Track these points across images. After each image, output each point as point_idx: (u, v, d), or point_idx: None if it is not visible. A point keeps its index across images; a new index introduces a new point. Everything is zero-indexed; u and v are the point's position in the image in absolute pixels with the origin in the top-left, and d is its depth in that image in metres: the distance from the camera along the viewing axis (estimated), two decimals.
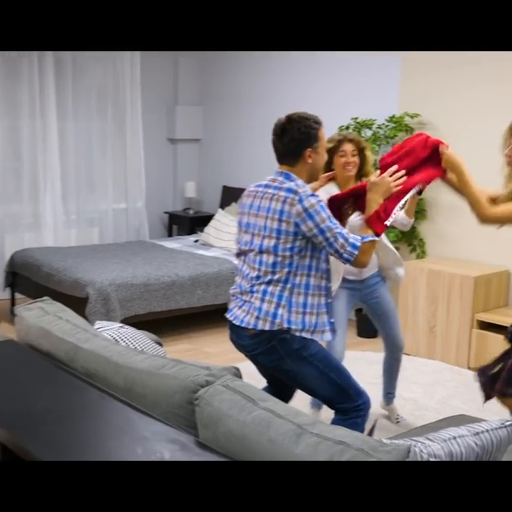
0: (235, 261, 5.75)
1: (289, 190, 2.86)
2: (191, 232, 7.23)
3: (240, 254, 3.11)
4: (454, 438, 2.16)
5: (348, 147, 3.68)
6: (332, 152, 3.62)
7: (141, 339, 3.36)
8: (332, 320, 3.03)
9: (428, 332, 5.25)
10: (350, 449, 1.87)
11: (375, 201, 2.99)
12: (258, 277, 2.93)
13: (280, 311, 2.89)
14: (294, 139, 2.92)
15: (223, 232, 6.46)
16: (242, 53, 6.99)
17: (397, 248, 5.71)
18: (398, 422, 4.07)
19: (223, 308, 5.54)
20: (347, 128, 5.62)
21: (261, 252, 2.92)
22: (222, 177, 7.38)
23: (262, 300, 2.92)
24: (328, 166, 3.56)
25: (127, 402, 2.38)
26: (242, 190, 6.88)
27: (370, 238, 2.93)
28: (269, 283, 2.91)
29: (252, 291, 2.95)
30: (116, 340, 3.19)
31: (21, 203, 6.59)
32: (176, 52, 7.35)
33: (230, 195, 7.09)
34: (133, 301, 5.27)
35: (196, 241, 6.66)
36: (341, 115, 5.99)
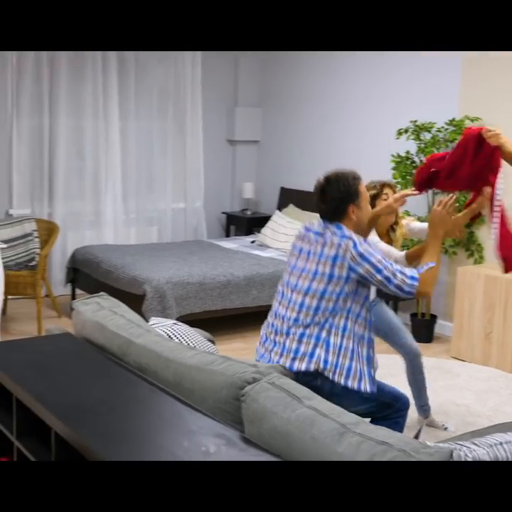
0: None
1: (343, 236, 2.88)
2: (248, 232, 7.29)
3: (281, 291, 3.10)
4: (501, 443, 2.15)
5: (390, 191, 3.74)
6: (374, 198, 3.70)
7: (193, 336, 3.42)
8: (373, 373, 2.94)
9: (484, 338, 5.18)
10: (392, 450, 1.89)
11: (439, 238, 3.02)
12: (297, 320, 2.91)
13: (317, 350, 2.85)
14: (335, 198, 2.95)
15: (279, 233, 6.50)
16: (302, 55, 7.02)
17: (453, 253, 5.66)
18: (446, 428, 4.03)
19: None
20: (406, 131, 5.59)
21: (306, 294, 2.91)
22: (280, 178, 7.42)
23: (299, 342, 2.88)
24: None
25: (176, 396, 2.45)
26: (299, 191, 7.00)
27: (427, 267, 2.91)
28: (307, 326, 2.88)
29: (288, 333, 2.92)
30: (170, 336, 3.26)
31: (83, 201, 6.76)
32: (236, 53, 7.43)
33: (288, 197, 7.13)
34: (189, 299, 5.35)
35: (253, 242, 6.71)
36: (400, 118, 5.97)
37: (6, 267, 5.62)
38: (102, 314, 3.07)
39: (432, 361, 5.19)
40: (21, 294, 5.58)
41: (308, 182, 7.07)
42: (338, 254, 2.86)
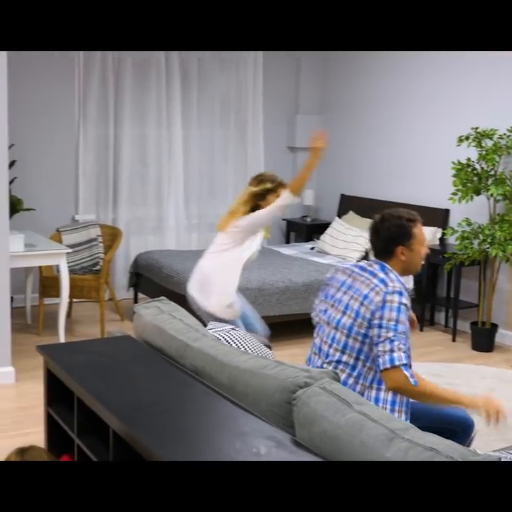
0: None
1: (382, 280, 2.86)
2: (308, 239, 7.33)
3: (317, 323, 3.12)
4: None
5: (283, 191, 4.21)
6: (268, 192, 4.19)
7: (250, 341, 3.48)
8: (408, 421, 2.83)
9: None
10: (439, 456, 1.91)
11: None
12: (328, 355, 2.94)
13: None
14: (385, 237, 2.96)
15: (339, 240, 6.52)
16: (363, 62, 7.04)
17: None
18: None
19: None
20: (466, 138, 5.55)
21: (336, 328, 2.93)
22: (340, 185, 7.44)
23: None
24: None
25: (230, 399, 2.51)
26: (360, 198, 7.01)
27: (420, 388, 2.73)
28: (338, 362, 2.90)
29: (321, 367, 2.96)
30: (227, 341, 3.33)
31: (146, 206, 6.92)
32: (297, 60, 7.48)
33: (348, 204, 7.15)
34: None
35: (312, 248, 6.75)
36: (461, 124, 5.92)
37: (71, 271, 5.80)
38: (161, 318, 3.16)
39: (492, 371, 5.14)
40: (86, 297, 5.75)
41: (368, 189, 7.07)
42: (368, 294, 2.84)
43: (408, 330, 2.82)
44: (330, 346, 2.93)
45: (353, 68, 7.20)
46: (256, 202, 4.29)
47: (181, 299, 5.49)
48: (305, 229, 7.36)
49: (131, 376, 2.74)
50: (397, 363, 2.71)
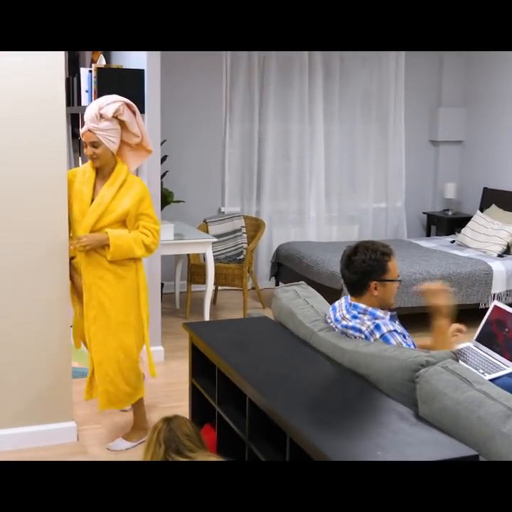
0: (490, 262, 5.68)
1: (355, 329, 2.89)
2: (449, 232, 7.30)
3: None
4: None
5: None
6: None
7: None
8: None
9: None
10: None
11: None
12: None
13: None
14: (360, 270, 2.88)
15: (479, 233, 6.47)
16: (508, 54, 6.91)
17: None
18: None
19: (474, 309, 5.61)
20: None
21: None
22: (483, 178, 7.35)
23: None
24: None
25: (354, 375, 2.67)
26: (503, 192, 6.91)
27: None
28: None
29: None
30: None
31: (288, 199, 7.16)
32: (440, 53, 7.46)
33: (491, 197, 7.05)
34: None
35: (452, 241, 6.73)
36: None
37: (217, 260, 6.14)
38: (296, 302, 3.37)
39: None
40: (229, 284, 6.07)
41: None
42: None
43: (410, 344, 2.87)
44: None
45: (498, 60, 7.08)
46: None
47: (320, 288, 5.69)
48: (446, 222, 7.34)
49: (266, 351, 2.96)
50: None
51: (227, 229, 6.42)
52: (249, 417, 2.65)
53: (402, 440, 2.17)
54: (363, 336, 2.87)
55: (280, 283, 6.67)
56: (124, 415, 4.09)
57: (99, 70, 4.82)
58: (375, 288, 2.89)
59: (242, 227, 6.45)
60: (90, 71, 4.99)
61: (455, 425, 2.23)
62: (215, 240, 5.73)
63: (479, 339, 3.44)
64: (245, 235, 6.43)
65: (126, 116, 3.59)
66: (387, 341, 2.80)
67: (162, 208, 6.34)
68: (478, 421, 2.16)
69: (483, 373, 3.07)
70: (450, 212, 7.44)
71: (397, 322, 2.97)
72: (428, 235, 7.62)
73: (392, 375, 2.54)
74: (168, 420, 2.77)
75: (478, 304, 5.79)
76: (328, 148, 7.21)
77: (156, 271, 4.99)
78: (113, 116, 3.53)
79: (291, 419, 2.30)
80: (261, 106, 6.92)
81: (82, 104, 5.26)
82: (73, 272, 3.69)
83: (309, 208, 7.21)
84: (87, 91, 5.16)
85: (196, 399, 3.33)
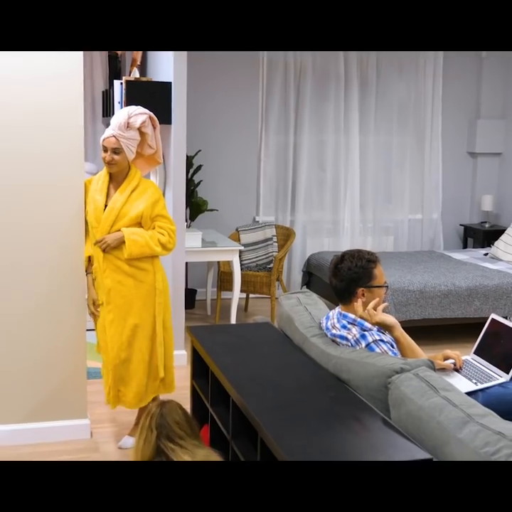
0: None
1: (342, 337, 2.96)
2: (486, 245, 7.25)
3: None
4: None
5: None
6: None
7: None
8: None
9: None
10: (504, 440, 2.03)
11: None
12: None
13: None
14: (347, 278, 2.94)
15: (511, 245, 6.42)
16: None
17: None
18: None
19: None
20: None
21: None
22: None
23: None
24: None
25: (336, 380, 2.75)
26: None
27: None
28: None
29: None
30: None
31: (323, 210, 7.24)
32: (480, 63, 7.42)
33: None
34: (408, 305, 5.56)
35: (486, 254, 6.69)
36: None
37: (247, 268, 6.26)
38: (296, 309, 3.46)
39: None
40: (258, 292, 6.18)
41: None
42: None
43: (397, 353, 2.91)
44: None
45: None
46: None
47: None
48: (482, 235, 7.29)
49: (257, 355, 3.06)
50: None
51: (259, 238, 6.53)
52: (232, 417, 2.75)
53: (362, 442, 2.24)
54: (349, 344, 2.94)
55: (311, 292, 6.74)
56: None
57: (128, 82, 5.01)
58: (363, 294, 2.96)
59: (273, 236, 6.55)
60: (121, 84, 5.19)
61: (417, 430, 2.29)
62: (241, 247, 5.84)
63: (477, 351, 3.46)
64: (276, 244, 6.53)
65: (148, 129, 3.74)
66: (372, 351, 2.87)
67: (196, 216, 6.51)
68: (437, 426, 2.21)
69: (475, 383, 3.10)
70: (487, 225, 7.39)
71: (386, 332, 3.02)
72: (465, 247, 7.58)
73: (370, 380, 2.61)
74: (160, 405, 2.84)
75: (506, 317, 5.75)
76: (364, 159, 7.26)
77: (180, 277, 5.13)
78: (137, 128, 3.69)
79: (261, 419, 2.39)
80: (297, 117, 7.03)
81: (112, 118, 5.46)
82: (90, 284, 3.83)
83: (344, 219, 7.27)
84: (119, 102, 5.37)
85: (196, 400, 3.45)
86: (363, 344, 2.90)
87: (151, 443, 2.67)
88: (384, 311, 2.97)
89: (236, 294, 5.72)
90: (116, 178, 3.73)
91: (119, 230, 3.63)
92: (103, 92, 6.23)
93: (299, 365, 2.94)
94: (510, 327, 3.30)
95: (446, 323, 5.74)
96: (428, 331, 5.83)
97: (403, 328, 5.31)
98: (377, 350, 2.86)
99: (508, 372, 3.14)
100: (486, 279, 5.76)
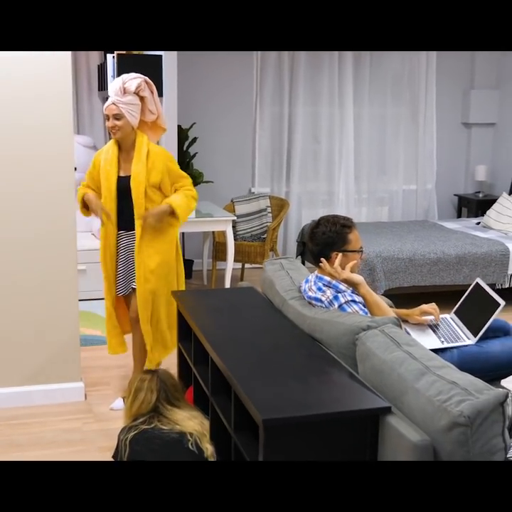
0: (508, 243, 5.81)
1: (317, 299, 3.07)
2: (479, 215, 7.34)
3: None
4: None
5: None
6: None
7: None
8: None
9: None
10: (457, 388, 2.16)
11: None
12: None
13: None
14: (322, 242, 3.05)
15: (503, 215, 6.51)
16: None
17: None
18: None
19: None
20: None
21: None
22: None
23: None
24: None
25: (310, 339, 2.88)
26: None
27: None
28: None
29: None
30: None
31: (318, 181, 7.34)
32: None
33: None
34: (398, 273, 5.67)
35: (478, 223, 6.79)
36: None
37: (242, 239, 6.39)
38: (278, 274, 3.58)
39: None
40: (252, 262, 6.31)
41: None
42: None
43: (368, 312, 3.03)
44: None
45: None
46: None
47: None
48: (475, 204, 7.38)
49: (238, 318, 3.19)
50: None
51: (253, 209, 6.64)
52: (211, 375, 2.89)
53: (329, 395, 2.37)
54: (323, 306, 3.06)
55: (306, 262, 6.87)
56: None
57: (119, 56, 5.11)
58: (337, 258, 3.06)
59: (268, 207, 6.66)
60: (113, 57, 5.28)
61: (380, 382, 2.42)
62: (235, 218, 5.96)
63: (457, 312, 3.59)
64: (270, 215, 6.64)
65: (146, 92, 3.86)
66: (343, 311, 2.99)
67: None
68: (397, 377, 2.34)
69: (442, 342, 3.23)
70: (481, 195, 7.47)
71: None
72: (459, 216, 7.67)
73: (340, 338, 2.74)
74: (154, 372, 3.06)
75: (495, 284, 5.86)
76: (358, 130, 7.34)
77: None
78: (135, 92, 3.80)
79: (235, 375, 2.53)
80: (291, 89, 7.10)
81: (108, 89, 5.55)
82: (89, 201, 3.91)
83: (338, 190, 7.37)
84: (112, 76, 5.46)
85: (182, 361, 3.60)
86: (336, 305, 3.01)
87: (150, 403, 2.92)
88: (355, 271, 3.08)
89: (230, 264, 5.85)
90: (124, 147, 3.86)
91: (150, 202, 3.80)
92: (98, 65, 6.32)
93: (277, 327, 3.07)
94: (488, 294, 3.41)
95: (436, 290, 5.86)
96: (417, 297, 5.94)
97: (393, 294, 5.45)
98: (349, 310, 2.98)
99: (475, 336, 3.27)
100: (475, 247, 5.86)
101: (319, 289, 3.11)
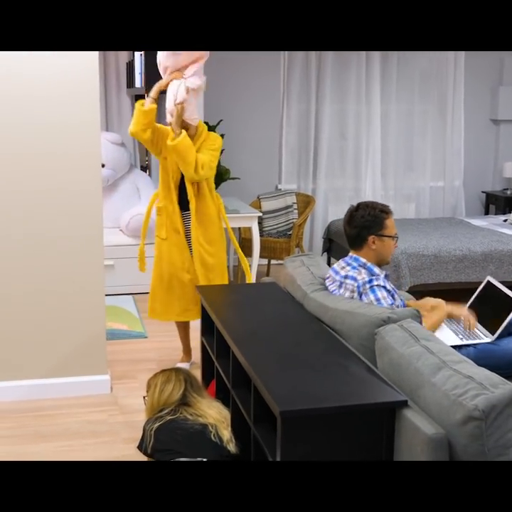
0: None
1: (352, 278, 3.12)
2: (508, 211, 7.30)
3: None
4: None
5: None
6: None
7: None
8: None
9: None
10: (473, 382, 2.18)
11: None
12: None
13: None
14: (359, 225, 3.14)
15: None
16: None
17: None
18: None
19: None
20: None
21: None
22: None
23: None
24: None
25: (332, 332, 2.91)
26: None
27: None
28: None
29: None
30: None
31: (344, 178, 7.35)
32: None
33: None
34: (423, 270, 5.67)
35: (505, 220, 6.75)
36: None
37: (268, 235, 6.43)
38: (299, 270, 3.61)
39: None
40: (278, 258, 6.34)
41: None
42: (344, 294, 3.13)
43: (394, 302, 3.08)
44: None
45: None
46: None
47: None
48: (503, 201, 7.33)
49: (259, 312, 3.23)
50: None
51: (279, 205, 6.68)
52: (232, 368, 2.94)
53: (345, 388, 2.40)
54: (356, 285, 3.11)
55: (332, 258, 6.89)
56: None
57: (146, 53, 5.17)
58: (373, 242, 3.16)
59: (294, 203, 6.69)
60: (141, 55, 5.35)
61: (397, 376, 2.45)
62: (260, 214, 5.99)
63: (469, 310, 3.60)
64: (296, 211, 6.67)
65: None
66: (373, 292, 3.05)
67: (219, 185, 6.67)
68: (414, 371, 2.37)
69: (461, 339, 3.24)
70: (509, 192, 7.43)
71: (389, 282, 3.19)
72: (486, 214, 7.63)
73: (360, 330, 2.77)
74: (175, 369, 3.20)
75: None
76: (385, 128, 7.33)
77: None
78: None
79: (254, 368, 2.57)
80: (318, 86, 7.12)
81: (136, 86, 5.63)
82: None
83: (365, 187, 7.37)
84: (139, 73, 5.54)
85: (205, 354, 3.65)
86: (368, 286, 3.08)
87: (180, 391, 3.05)
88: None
89: (255, 260, 5.90)
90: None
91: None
92: (127, 63, 6.40)
93: (297, 321, 3.11)
94: (503, 292, 3.42)
95: (462, 287, 5.84)
96: (442, 294, 5.92)
97: (418, 291, 5.44)
98: (378, 293, 3.04)
99: (493, 334, 3.28)
100: (502, 244, 5.83)
101: (354, 268, 3.18)
